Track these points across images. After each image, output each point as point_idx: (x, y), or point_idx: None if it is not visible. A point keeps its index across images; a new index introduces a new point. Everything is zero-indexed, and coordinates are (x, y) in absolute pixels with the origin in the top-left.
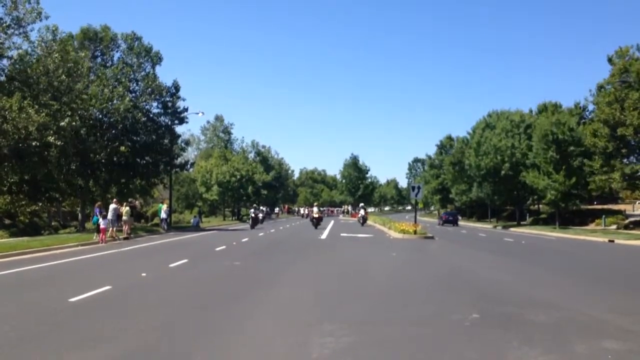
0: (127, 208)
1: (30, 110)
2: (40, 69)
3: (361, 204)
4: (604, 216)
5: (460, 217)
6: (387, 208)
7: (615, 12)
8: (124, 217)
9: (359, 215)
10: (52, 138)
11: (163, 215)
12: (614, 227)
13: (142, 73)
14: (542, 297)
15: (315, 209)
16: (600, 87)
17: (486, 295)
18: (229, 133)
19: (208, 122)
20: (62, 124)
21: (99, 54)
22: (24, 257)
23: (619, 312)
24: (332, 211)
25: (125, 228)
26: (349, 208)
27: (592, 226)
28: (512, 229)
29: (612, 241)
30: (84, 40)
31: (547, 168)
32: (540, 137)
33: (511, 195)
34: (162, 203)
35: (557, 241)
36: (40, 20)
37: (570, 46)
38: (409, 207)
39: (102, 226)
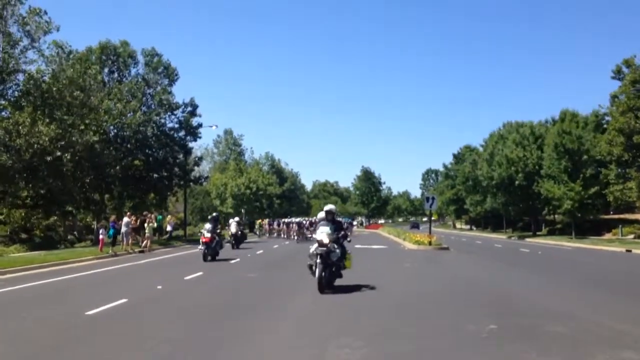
0: (153, 224)
1: (41, 127)
2: (54, 84)
3: (348, 219)
4: (620, 226)
5: (420, 225)
6: (400, 219)
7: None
8: (147, 233)
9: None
10: (66, 154)
11: (169, 227)
12: (631, 236)
13: (158, 88)
14: (560, 307)
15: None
16: (614, 97)
17: (503, 306)
18: (239, 145)
19: (218, 136)
20: (73, 138)
21: (115, 69)
22: (41, 271)
23: (639, 323)
24: None
25: (145, 242)
26: (363, 220)
27: (608, 236)
28: (528, 240)
29: (630, 251)
30: (101, 55)
31: (561, 177)
32: (552, 148)
33: (526, 205)
34: (161, 214)
35: (574, 251)
36: (50, 32)
37: (585, 55)
38: (425, 219)
39: (100, 237)
